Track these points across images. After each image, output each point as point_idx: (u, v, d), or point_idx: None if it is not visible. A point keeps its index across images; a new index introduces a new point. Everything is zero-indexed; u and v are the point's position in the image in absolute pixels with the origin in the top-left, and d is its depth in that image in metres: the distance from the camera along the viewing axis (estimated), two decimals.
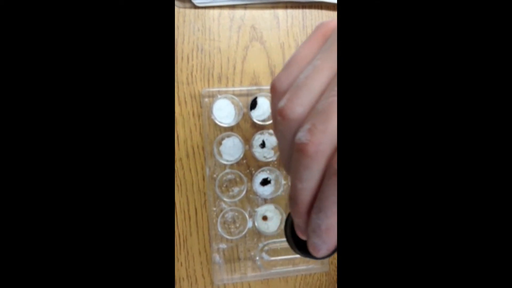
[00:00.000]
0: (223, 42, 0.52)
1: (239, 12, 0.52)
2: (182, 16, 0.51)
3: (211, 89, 0.50)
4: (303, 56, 0.27)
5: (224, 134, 0.49)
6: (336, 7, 0.55)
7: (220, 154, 0.50)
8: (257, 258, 0.52)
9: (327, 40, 0.27)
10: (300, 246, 0.30)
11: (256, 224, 0.51)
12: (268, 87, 0.51)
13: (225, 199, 0.50)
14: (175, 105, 0.51)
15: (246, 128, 0.51)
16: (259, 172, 0.50)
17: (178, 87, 0.51)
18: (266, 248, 0.52)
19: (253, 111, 0.50)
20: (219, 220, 0.50)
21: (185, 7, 0.51)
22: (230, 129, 0.50)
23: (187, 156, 0.51)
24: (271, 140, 0.52)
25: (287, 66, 0.27)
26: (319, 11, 0.54)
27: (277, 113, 0.26)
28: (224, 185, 0.51)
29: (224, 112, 0.49)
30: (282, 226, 0.52)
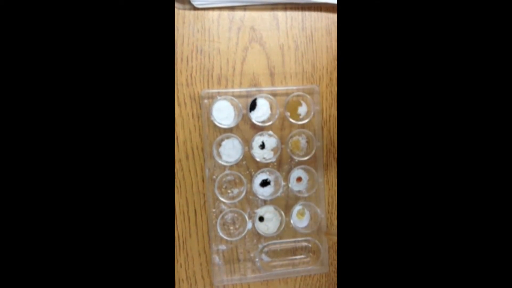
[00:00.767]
0: (222, 43, 0.51)
1: (238, 14, 0.51)
2: (182, 17, 0.50)
3: (211, 91, 0.50)
4: None
5: (223, 135, 0.49)
6: (335, 8, 0.54)
7: (219, 155, 0.50)
8: (257, 259, 0.51)
9: None
10: None
11: (255, 225, 0.51)
12: (267, 89, 0.51)
13: (224, 200, 0.50)
14: (175, 107, 0.50)
15: (246, 130, 0.51)
16: (259, 173, 0.50)
17: (177, 89, 0.50)
18: (265, 249, 0.52)
19: (252, 112, 0.50)
20: (218, 221, 0.50)
21: (184, 9, 0.50)
22: (230, 130, 0.50)
23: (187, 157, 0.50)
24: (271, 141, 0.51)
25: None
26: (319, 13, 0.54)
27: None
28: (224, 186, 0.51)
29: (224, 113, 0.49)
30: (282, 228, 0.52)
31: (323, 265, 0.53)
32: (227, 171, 0.50)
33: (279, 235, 0.51)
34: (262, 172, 0.51)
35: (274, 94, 0.51)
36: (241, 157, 0.49)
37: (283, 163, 0.52)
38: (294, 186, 0.52)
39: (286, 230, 0.52)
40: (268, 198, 0.51)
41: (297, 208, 0.52)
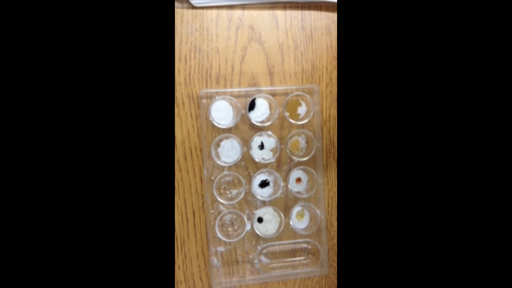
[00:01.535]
0: (221, 42, 0.51)
1: (237, 13, 0.51)
2: (180, 16, 0.50)
3: (209, 90, 0.49)
4: None
5: (222, 135, 0.49)
6: (335, 7, 0.54)
7: (218, 156, 0.50)
8: (256, 261, 0.51)
9: None
10: None
11: (254, 226, 0.51)
12: (266, 88, 0.51)
13: (223, 201, 0.49)
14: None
15: (245, 130, 0.51)
16: (258, 174, 0.50)
17: (175, 88, 0.50)
18: (265, 251, 0.52)
19: (251, 112, 0.50)
20: (217, 222, 0.49)
21: (183, 7, 0.50)
22: (228, 130, 0.50)
23: (185, 158, 0.50)
24: (270, 141, 0.51)
25: None
26: (319, 12, 0.53)
27: None
28: (222, 187, 0.50)
29: (222, 113, 0.49)
30: (281, 229, 0.51)
31: (323, 267, 0.53)
32: (225, 172, 0.49)
33: (278, 236, 0.51)
34: (261, 172, 0.50)
35: (273, 94, 0.51)
36: (240, 157, 0.49)
37: (282, 163, 0.52)
38: (294, 187, 0.52)
39: (286, 231, 0.52)
40: (267, 199, 0.50)
41: (297, 209, 0.52)
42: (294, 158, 0.51)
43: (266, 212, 0.51)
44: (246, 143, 0.50)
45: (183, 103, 0.50)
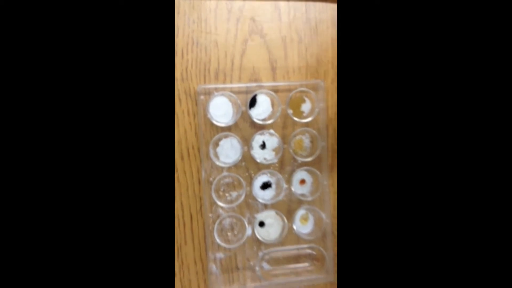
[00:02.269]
0: (220, 35, 0.49)
1: (237, 3, 0.49)
2: (176, 7, 0.48)
3: (207, 86, 0.48)
4: None
5: (221, 134, 0.48)
6: None
7: (217, 156, 0.48)
8: (257, 267, 0.50)
9: None
10: None
11: (255, 231, 0.49)
12: (269, 84, 0.49)
13: (222, 204, 0.48)
14: None
15: (245, 128, 0.49)
16: (259, 175, 0.49)
17: None
18: (266, 257, 0.50)
19: (252, 109, 0.48)
20: (216, 227, 0.48)
21: None
22: (228, 129, 0.49)
23: (182, 158, 0.48)
24: (272, 141, 0.49)
25: None
26: (324, 3, 0.52)
27: None
28: (221, 189, 0.49)
29: (221, 110, 0.48)
30: (284, 234, 0.50)
31: (328, 273, 0.51)
32: (225, 173, 0.48)
33: (280, 241, 0.50)
34: (263, 174, 0.49)
35: (276, 90, 0.49)
36: (240, 157, 0.48)
37: (285, 164, 0.51)
38: (297, 189, 0.51)
39: (289, 236, 0.51)
40: (269, 202, 0.50)
41: (300, 212, 0.51)
42: (297, 158, 0.50)
43: (268, 216, 0.50)
44: (246, 142, 0.49)
45: (179, 99, 0.48)
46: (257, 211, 0.50)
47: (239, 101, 0.48)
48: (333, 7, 0.52)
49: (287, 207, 0.51)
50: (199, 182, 0.49)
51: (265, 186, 0.50)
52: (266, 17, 0.50)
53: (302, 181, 0.51)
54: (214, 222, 0.49)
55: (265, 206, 0.50)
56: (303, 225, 0.51)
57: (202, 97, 0.48)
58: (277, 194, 0.50)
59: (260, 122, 0.48)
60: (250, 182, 0.49)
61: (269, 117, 0.49)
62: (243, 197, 0.49)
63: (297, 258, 0.51)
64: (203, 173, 0.48)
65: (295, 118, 0.49)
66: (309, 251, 0.51)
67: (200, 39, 0.49)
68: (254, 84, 0.49)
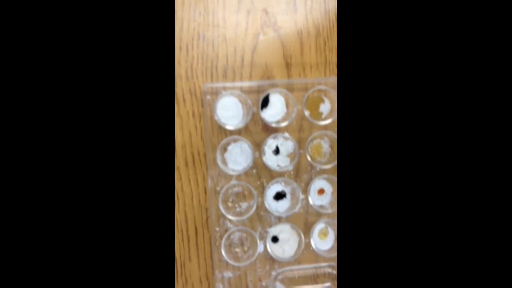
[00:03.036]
0: (229, 29, 0.48)
1: None
2: None
3: (215, 85, 0.47)
4: None
5: (229, 138, 0.47)
6: None
7: (225, 163, 0.47)
8: None
9: None
10: None
11: (268, 247, 0.47)
12: (283, 82, 0.48)
13: (230, 217, 0.47)
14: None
15: (256, 131, 0.48)
16: (272, 184, 0.48)
17: (175, 82, 0.47)
18: (280, 276, 0.48)
19: (264, 110, 0.47)
20: (223, 242, 0.47)
21: None
22: (237, 132, 0.47)
23: (186, 164, 0.47)
24: (287, 145, 0.47)
25: None
26: None
27: None
28: (230, 200, 0.48)
29: (230, 111, 0.47)
30: (301, 251, 0.48)
31: None
32: (233, 182, 0.47)
33: (297, 259, 0.48)
34: (276, 182, 0.48)
35: (291, 89, 0.48)
36: (250, 164, 0.47)
37: (302, 172, 0.49)
38: (315, 199, 0.49)
39: (306, 253, 0.49)
40: (284, 215, 0.48)
41: (319, 226, 0.49)
42: (315, 165, 0.48)
43: (282, 230, 0.48)
44: (258, 147, 0.47)
45: (184, 100, 0.47)
46: (270, 225, 0.49)
47: (249, 101, 0.46)
48: None
49: (304, 220, 0.49)
50: (205, 192, 0.48)
51: (279, 196, 0.48)
52: (280, 8, 0.49)
53: (321, 191, 0.49)
54: (221, 237, 0.47)
55: (279, 219, 0.49)
56: (322, 241, 0.49)
57: (208, 96, 0.46)
58: (293, 206, 0.48)
59: (273, 125, 0.47)
60: (262, 192, 0.48)
61: (283, 119, 0.48)
62: (254, 208, 0.47)
63: (315, 278, 0.49)
64: (209, 182, 0.47)
65: (313, 120, 0.47)
66: (329, 270, 0.49)
67: (207, 33, 0.48)
68: (266, 83, 0.48)
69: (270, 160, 0.47)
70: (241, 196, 0.47)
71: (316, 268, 0.49)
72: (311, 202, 0.48)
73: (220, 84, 0.46)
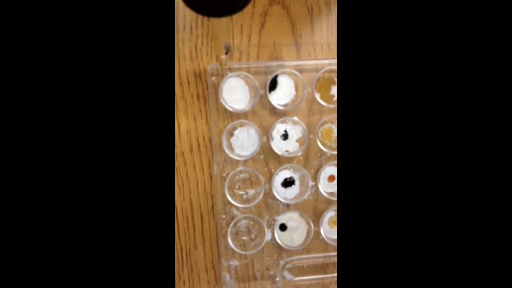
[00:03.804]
0: None
1: None
2: None
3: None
4: None
5: (236, 122, 0.46)
6: None
7: (231, 148, 0.46)
8: (278, 278, 0.48)
9: None
10: None
11: (276, 235, 0.47)
12: (292, 63, 0.46)
13: (237, 204, 0.47)
14: (176, 87, 0.45)
15: (264, 115, 0.47)
16: (280, 171, 0.47)
17: (179, 63, 0.45)
18: (289, 265, 0.48)
19: (272, 93, 0.46)
20: (229, 230, 0.46)
21: None
22: (244, 116, 0.46)
23: (191, 150, 0.46)
24: (296, 130, 0.46)
25: None
26: None
27: None
28: (236, 186, 0.47)
29: (236, 94, 0.46)
30: (310, 239, 0.47)
31: None
32: (240, 168, 0.47)
33: (305, 248, 0.48)
34: (285, 168, 0.47)
35: (301, 70, 0.47)
36: (258, 149, 0.46)
37: (312, 157, 0.48)
38: (325, 187, 0.48)
39: (315, 242, 0.48)
40: (292, 202, 0.47)
41: (329, 214, 0.48)
42: (326, 150, 0.47)
43: (291, 218, 0.48)
44: (265, 132, 0.46)
45: (188, 81, 0.45)
46: (278, 213, 0.48)
47: (257, 83, 0.45)
48: None
49: (313, 208, 0.48)
50: (211, 178, 0.47)
51: (287, 183, 0.47)
52: None
53: (331, 178, 0.48)
54: (228, 225, 0.47)
55: (287, 207, 0.48)
56: (332, 229, 0.48)
57: (213, 78, 0.45)
58: (302, 193, 0.48)
59: (282, 108, 0.46)
60: (269, 179, 0.47)
61: (292, 102, 0.47)
62: (261, 195, 0.47)
63: (324, 267, 0.49)
64: (215, 168, 0.46)
65: (323, 103, 0.46)
66: None
67: None
68: (274, 63, 0.46)
69: (278, 145, 0.46)
70: (248, 182, 0.47)
71: (325, 257, 0.48)
72: (321, 189, 0.47)
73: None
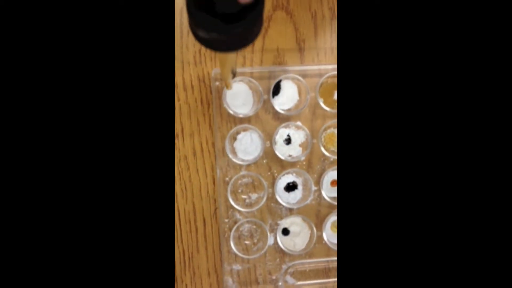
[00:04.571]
0: None
1: None
2: None
3: None
4: None
5: (239, 127, 0.46)
6: None
7: (234, 152, 0.47)
8: (280, 282, 0.48)
9: None
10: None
11: (279, 240, 0.47)
12: (295, 68, 0.47)
13: (240, 208, 0.47)
14: (179, 91, 0.45)
15: (267, 120, 0.47)
16: (283, 175, 0.47)
17: (183, 68, 0.45)
18: (291, 270, 0.48)
19: (276, 97, 0.46)
20: (232, 234, 0.46)
21: None
22: (247, 120, 0.47)
23: (194, 154, 0.46)
24: (299, 134, 0.46)
25: None
26: None
27: None
28: (239, 191, 0.47)
29: (240, 99, 0.46)
30: (312, 244, 0.47)
31: None
32: (243, 172, 0.47)
33: (308, 252, 0.48)
34: (288, 173, 0.47)
35: (304, 75, 0.47)
36: (261, 154, 0.46)
37: (314, 162, 0.48)
38: (328, 191, 0.48)
39: (317, 246, 0.48)
40: (295, 206, 0.47)
41: (332, 219, 0.48)
42: (329, 155, 0.47)
43: (294, 223, 0.48)
44: (269, 136, 0.47)
45: (192, 86, 0.45)
46: (281, 217, 0.48)
47: (260, 88, 0.45)
48: None
49: (316, 213, 0.48)
50: (214, 182, 0.47)
51: (290, 187, 0.48)
52: None
53: (334, 183, 0.48)
54: (230, 229, 0.47)
55: (290, 211, 0.48)
56: (334, 234, 0.48)
57: (217, 83, 0.45)
58: (304, 197, 0.48)
59: (285, 113, 0.46)
60: (272, 183, 0.47)
61: (296, 107, 0.47)
62: (264, 200, 0.47)
63: (327, 272, 0.49)
64: (218, 172, 0.46)
65: (327, 108, 0.46)
66: None
67: None
68: (278, 68, 0.47)
69: (281, 150, 0.46)
70: (251, 187, 0.47)
71: (328, 262, 0.48)
72: (323, 194, 0.47)
73: None
